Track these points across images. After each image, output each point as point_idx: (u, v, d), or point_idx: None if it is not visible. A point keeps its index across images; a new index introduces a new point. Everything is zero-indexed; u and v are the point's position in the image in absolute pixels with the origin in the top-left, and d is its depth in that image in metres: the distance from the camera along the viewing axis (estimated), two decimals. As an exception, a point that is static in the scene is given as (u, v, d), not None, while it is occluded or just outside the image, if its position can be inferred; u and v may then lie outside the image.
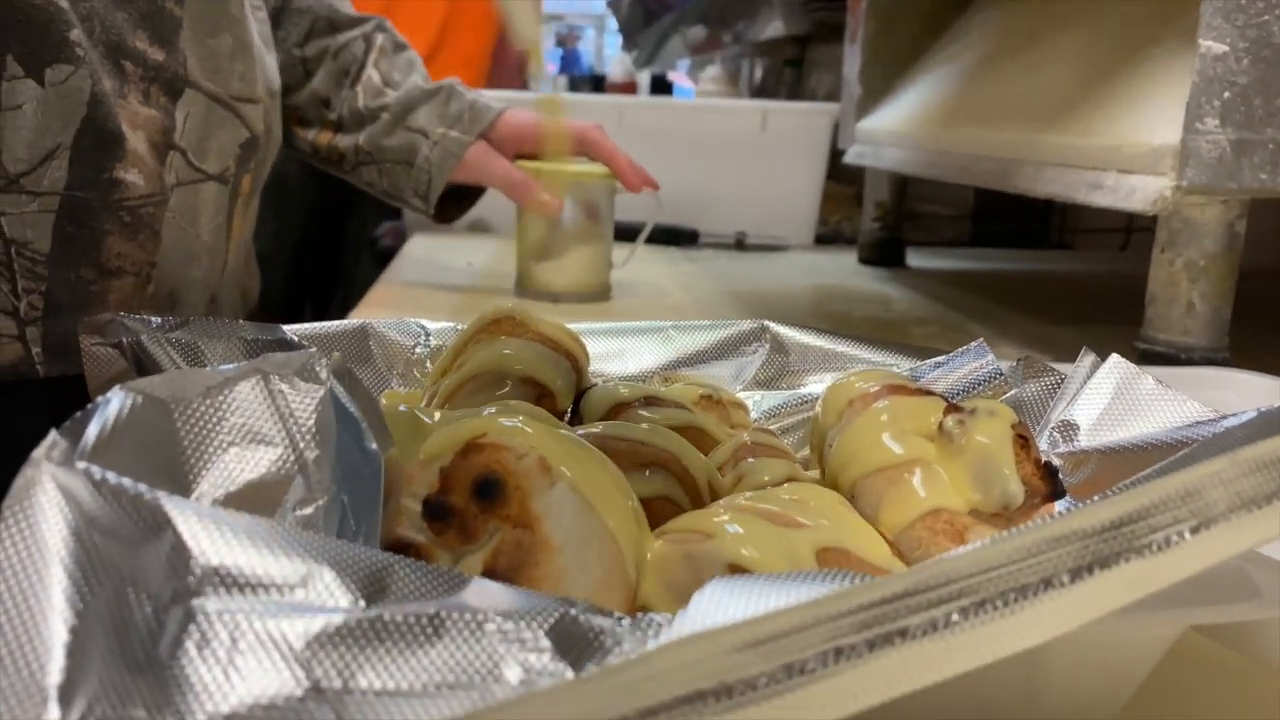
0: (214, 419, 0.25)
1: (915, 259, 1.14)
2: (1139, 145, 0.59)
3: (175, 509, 0.20)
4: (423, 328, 0.46)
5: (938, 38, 1.03)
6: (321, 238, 1.98)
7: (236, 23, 0.65)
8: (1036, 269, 1.18)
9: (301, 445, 0.26)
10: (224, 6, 0.64)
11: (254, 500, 0.25)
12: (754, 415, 0.45)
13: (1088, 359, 0.35)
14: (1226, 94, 0.54)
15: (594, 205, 0.86)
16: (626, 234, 0.95)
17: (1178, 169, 0.55)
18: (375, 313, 0.79)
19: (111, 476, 0.21)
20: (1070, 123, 0.67)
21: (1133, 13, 0.70)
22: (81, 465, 0.21)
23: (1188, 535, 0.21)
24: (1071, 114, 0.68)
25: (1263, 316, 0.85)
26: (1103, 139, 0.62)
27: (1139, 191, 0.58)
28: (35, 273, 0.56)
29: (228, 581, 0.20)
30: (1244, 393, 0.48)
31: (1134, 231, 1.31)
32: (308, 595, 0.20)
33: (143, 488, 0.21)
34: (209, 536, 0.20)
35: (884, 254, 1.11)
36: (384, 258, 1.27)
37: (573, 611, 0.21)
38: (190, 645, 0.19)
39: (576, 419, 0.39)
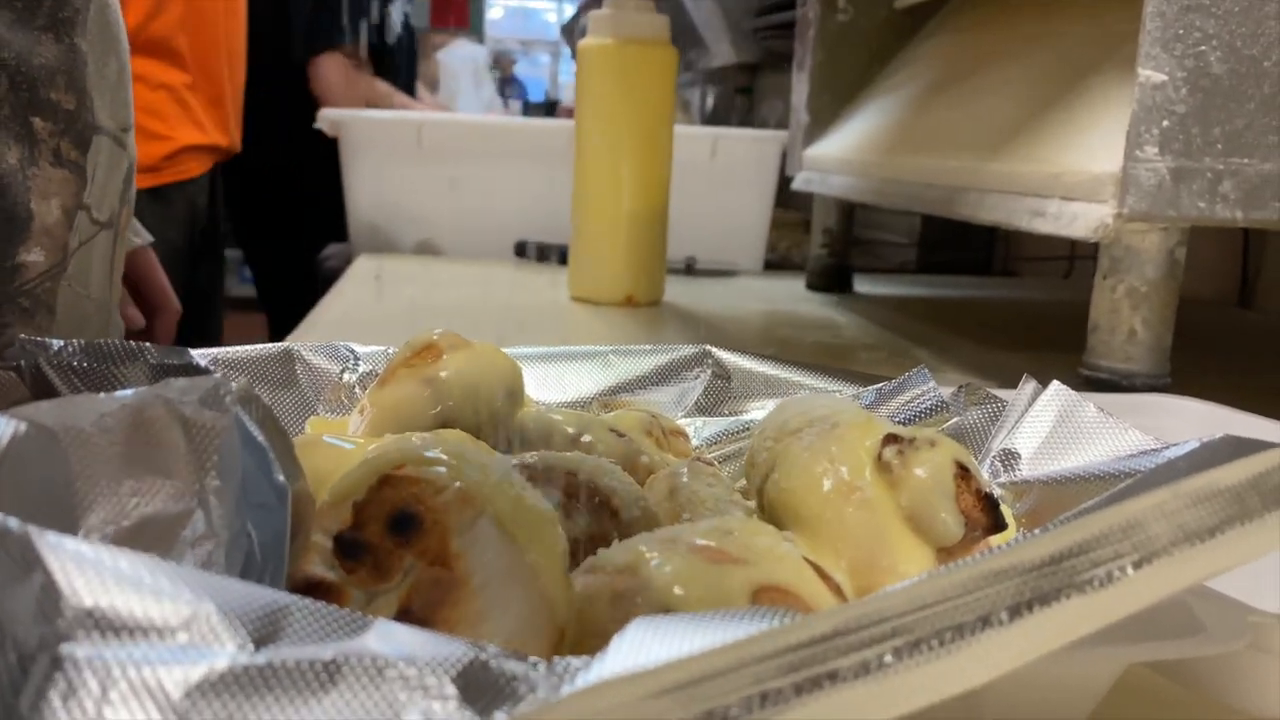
0: (107, 449, 0.24)
1: (862, 285, 1.14)
2: (1080, 173, 0.59)
3: (47, 545, 0.19)
4: (351, 351, 0.44)
5: (885, 66, 1.04)
6: (266, 265, 1.95)
7: (116, 41, 0.57)
8: (982, 295, 1.18)
9: (203, 477, 0.24)
10: (109, 28, 0.56)
11: (149, 536, 0.23)
12: (694, 442, 0.44)
13: (1028, 386, 0.35)
14: (1165, 122, 0.54)
15: None
16: (551, 253, 0.93)
17: (1119, 196, 0.55)
18: (312, 335, 0.77)
19: (-20, 511, 0.19)
20: (1013, 150, 0.67)
21: (1074, 42, 0.70)
22: (-53, 499, 0.19)
23: (1130, 570, 0.20)
24: (1014, 142, 0.68)
25: (1202, 343, 0.86)
26: (1045, 166, 0.62)
27: (1081, 219, 0.58)
28: None
29: (101, 625, 0.18)
30: (1185, 419, 0.48)
31: (1076, 259, 1.33)
32: (190, 639, 0.18)
33: (13, 523, 0.19)
34: (83, 575, 0.18)
35: (831, 280, 1.11)
36: (330, 279, 1.25)
37: (483, 656, 0.19)
38: (54, 696, 0.17)
39: (510, 447, 0.38)
